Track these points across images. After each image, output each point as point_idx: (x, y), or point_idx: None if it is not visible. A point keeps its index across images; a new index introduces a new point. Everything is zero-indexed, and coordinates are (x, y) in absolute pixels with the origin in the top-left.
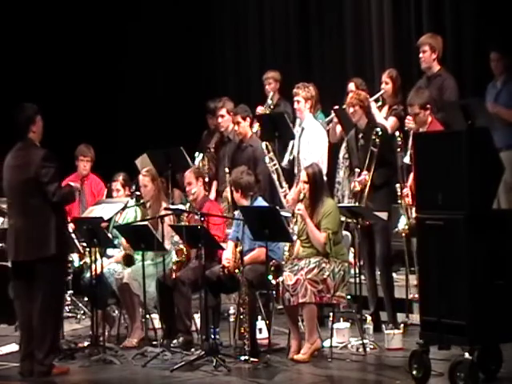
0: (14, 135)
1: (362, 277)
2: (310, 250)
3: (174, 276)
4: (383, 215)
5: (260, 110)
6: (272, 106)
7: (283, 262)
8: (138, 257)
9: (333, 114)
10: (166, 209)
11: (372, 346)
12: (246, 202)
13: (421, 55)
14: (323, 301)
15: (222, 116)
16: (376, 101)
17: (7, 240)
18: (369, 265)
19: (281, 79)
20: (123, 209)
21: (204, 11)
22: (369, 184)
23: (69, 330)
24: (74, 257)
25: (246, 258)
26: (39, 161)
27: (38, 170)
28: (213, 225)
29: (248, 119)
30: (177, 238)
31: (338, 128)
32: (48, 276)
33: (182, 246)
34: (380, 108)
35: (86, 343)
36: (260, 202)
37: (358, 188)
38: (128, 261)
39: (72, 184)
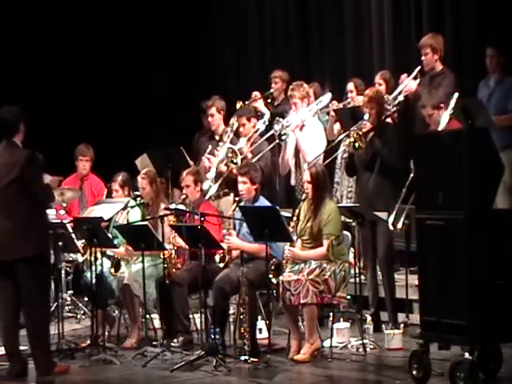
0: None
1: (362, 277)
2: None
3: (167, 279)
4: (383, 215)
5: (255, 94)
6: (271, 100)
7: (284, 261)
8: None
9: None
10: (166, 209)
11: (372, 346)
12: (252, 195)
13: (423, 57)
14: (324, 301)
15: (212, 115)
16: None
17: None
18: (371, 265)
19: (288, 79)
20: (123, 209)
21: (204, 11)
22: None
23: (69, 330)
24: (78, 255)
25: (248, 246)
26: (24, 161)
27: (24, 171)
28: (209, 225)
29: (252, 120)
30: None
31: (336, 126)
32: (30, 276)
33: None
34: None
35: (86, 343)
36: (263, 201)
37: (365, 129)
38: (116, 265)
39: (49, 183)
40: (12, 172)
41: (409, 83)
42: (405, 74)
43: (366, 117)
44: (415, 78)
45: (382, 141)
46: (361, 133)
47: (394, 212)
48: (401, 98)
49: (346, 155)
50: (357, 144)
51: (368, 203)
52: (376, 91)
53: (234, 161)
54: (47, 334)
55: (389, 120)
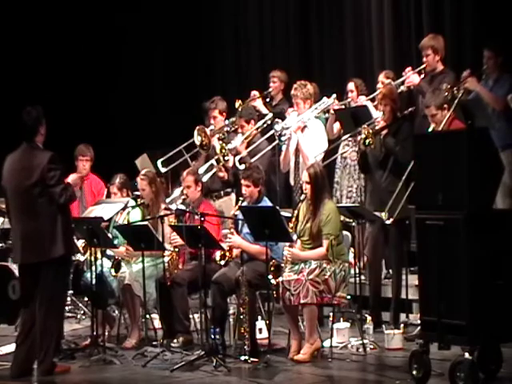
0: (20, 137)
1: (362, 277)
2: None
3: (168, 281)
4: (383, 215)
5: (253, 93)
6: (269, 99)
7: (283, 264)
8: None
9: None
10: (166, 209)
11: (372, 346)
12: (256, 196)
13: (424, 59)
14: (324, 301)
15: (215, 117)
16: (372, 100)
17: (13, 243)
18: (377, 264)
19: (287, 81)
20: (123, 209)
21: (204, 11)
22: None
23: (69, 330)
24: (78, 255)
25: (248, 246)
26: (46, 164)
27: (45, 173)
28: (209, 225)
29: (252, 122)
30: None
31: (336, 125)
32: (53, 277)
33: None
34: (376, 107)
35: (85, 342)
36: (266, 202)
37: (378, 126)
38: (117, 266)
39: (70, 182)
40: (33, 175)
41: (412, 75)
42: (410, 67)
43: (380, 114)
44: (419, 73)
45: (396, 139)
46: (371, 130)
47: (389, 205)
48: (403, 88)
49: (345, 154)
50: (367, 141)
51: (380, 202)
52: (389, 88)
53: (226, 158)
54: (56, 335)
55: None
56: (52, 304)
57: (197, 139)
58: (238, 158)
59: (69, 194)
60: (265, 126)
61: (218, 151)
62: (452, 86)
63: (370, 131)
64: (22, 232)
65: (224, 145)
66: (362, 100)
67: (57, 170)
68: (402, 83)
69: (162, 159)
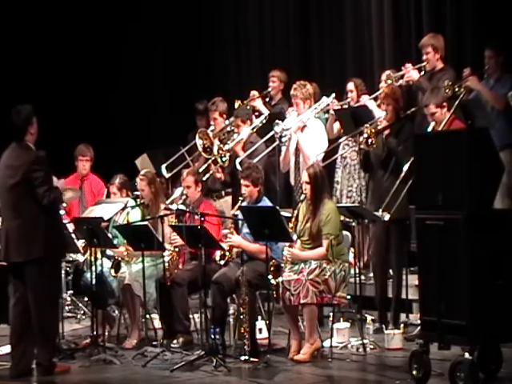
0: (11, 136)
1: (362, 277)
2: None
3: (168, 281)
4: (384, 215)
5: (253, 93)
6: (268, 99)
7: (282, 264)
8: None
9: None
10: (166, 209)
11: (372, 346)
12: (255, 196)
13: (424, 57)
14: (324, 301)
15: (215, 119)
16: (375, 99)
17: (0, 241)
18: (380, 264)
19: (286, 81)
20: (123, 209)
21: (204, 11)
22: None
23: (69, 330)
24: (78, 255)
25: (248, 246)
26: (29, 164)
27: (28, 173)
28: (209, 225)
29: (248, 122)
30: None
31: (336, 125)
32: (38, 277)
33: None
34: (379, 106)
35: (86, 342)
36: (265, 202)
37: (380, 126)
38: (117, 266)
39: (57, 185)
40: (17, 174)
41: (411, 71)
42: (410, 63)
43: (383, 113)
44: (419, 70)
45: (398, 139)
46: (373, 129)
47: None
48: (402, 82)
49: (345, 154)
50: (369, 140)
51: (380, 201)
52: (392, 88)
53: (224, 159)
54: (52, 335)
55: None
56: (45, 304)
57: (199, 143)
58: (238, 160)
59: (53, 196)
60: (260, 125)
61: (215, 152)
62: (452, 83)
63: (373, 130)
64: (7, 230)
65: (221, 146)
66: (365, 99)
67: (41, 171)
68: (402, 77)
69: (165, 164)
